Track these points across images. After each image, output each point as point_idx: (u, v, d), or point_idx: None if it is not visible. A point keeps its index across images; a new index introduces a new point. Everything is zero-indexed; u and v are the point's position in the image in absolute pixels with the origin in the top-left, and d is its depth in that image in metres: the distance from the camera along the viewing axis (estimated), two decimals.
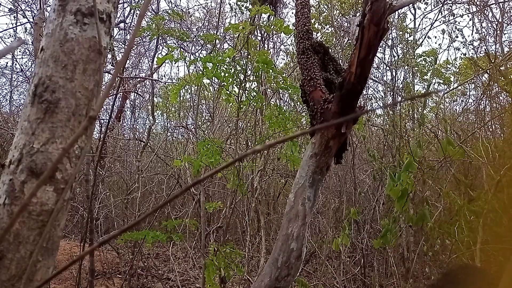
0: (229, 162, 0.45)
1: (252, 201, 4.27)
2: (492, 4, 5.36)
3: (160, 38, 5.55)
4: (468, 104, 6.76)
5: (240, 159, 3.26)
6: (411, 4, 5.40)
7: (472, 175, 4.37)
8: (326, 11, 6.15)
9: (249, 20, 4.35)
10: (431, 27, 9.62)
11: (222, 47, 6.27)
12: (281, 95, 5.90)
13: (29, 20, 6.35)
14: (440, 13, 5.83)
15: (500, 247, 2.85)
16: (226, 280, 3.12)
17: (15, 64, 7.76)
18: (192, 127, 6.02)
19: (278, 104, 5.22)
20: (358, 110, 1.52)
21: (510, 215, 2.93)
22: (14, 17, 7.48)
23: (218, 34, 5.48)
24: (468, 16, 6.25)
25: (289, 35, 4.93)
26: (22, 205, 0.88)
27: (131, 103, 8.61)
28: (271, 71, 3.24)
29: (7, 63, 8.71)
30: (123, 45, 6.67)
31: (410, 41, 5.71)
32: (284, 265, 1.42)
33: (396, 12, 4.08)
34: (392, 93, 5.37)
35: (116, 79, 6.85)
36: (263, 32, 5.35)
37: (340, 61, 4.88)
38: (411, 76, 5.42)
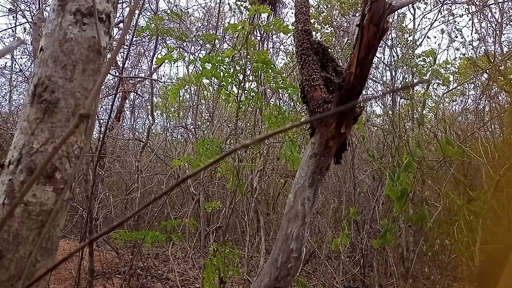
0: (221, 156, 0.45)
1: (252, 201, 4.27)
2: (492, 4, 5.37)
3: (159, 38, 5.55)
4: (467, 104, 6.77)
5: (229, 154, 3.26)
6: (411, 4, 5.41)
7: (471, 175, 4.37)
8: (326, 11, 6.15)
9: (248, 19, 4.35)
10: (430, 27, 9.64)
11: (222, 47, 6.27)
12: (280, 95, 5.91)
13: (28, 20, 6.33)
14: (439, 13, 5.84)
15: (500, 247, 2.85)
16: (225, 280, 3.12)
17: (14, 64, 7.76)
18: (192, 127, 6.01)
19: (278, 104, 5.22)
20: (357, 110, 1.52)
21: (509, 215, 2.93)
22: (13, 17, 7.48)
23: (217, 34, 5.47)
24: (467, 16, 6.26)
25: (289, 35, 4.93)
26: (15, 202, 0.88)
27: (131, 103, 8.62)
28: (270, 71, 3.24)
29: (6, 63, 8.72)
30: (123, 45, 6.66)
31: (409, 41, 5.72)
32: (284, 265, 1.42)
33: (396, 12, 4.08)
34: (391, 93, 5.38)
35: (116, 79, 6.84)
36: (262, 32, 5.35)
37: (340, 61, 4.88)
38: (410, 76, 5.42)
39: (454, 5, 5.81)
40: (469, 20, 7.08)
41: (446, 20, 5.87)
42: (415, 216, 2.96)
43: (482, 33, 5.40)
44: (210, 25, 7.34)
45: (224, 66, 3.12)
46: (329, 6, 6.02)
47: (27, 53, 7.29)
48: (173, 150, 7.47)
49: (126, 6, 6.37)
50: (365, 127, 5.21)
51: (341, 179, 5.83)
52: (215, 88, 5.94)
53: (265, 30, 4.35)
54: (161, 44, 6.29)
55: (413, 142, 3.54)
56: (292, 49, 6.49)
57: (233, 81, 3.22)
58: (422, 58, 5.87)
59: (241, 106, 3.47)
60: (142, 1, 5.28)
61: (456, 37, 5.93)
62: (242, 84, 3.32)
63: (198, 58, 3.63)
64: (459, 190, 3.65)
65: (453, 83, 6.80)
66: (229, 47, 5.51)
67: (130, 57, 7.65)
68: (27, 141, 0.93)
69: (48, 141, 0.93)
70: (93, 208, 4.04)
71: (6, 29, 7.66)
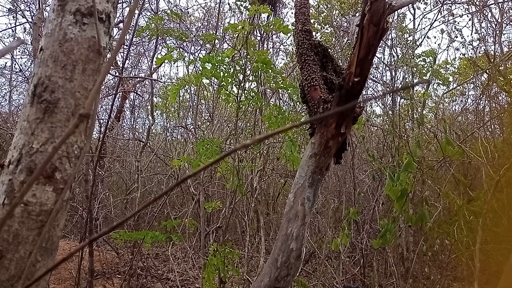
0: (221, 156, 0.45)
1: (252, 201, 4.27)
2: (492, 4, 5.37)
3: (159, 38, 5.55)
4: (467, 104, 6.77)
5: (229, 154, 3.27)
6: (411, 4, 5.41)
7: (471, 175, 4.37)
8: (326, 11, 6.15)
9: (248, 19, 4.35)
10: (430, 27, 9.64)
11: (222, 47, 6.27)
12: (280, 95, 5.91)
13: (28, 20, 6.33)
14: (439, 13, 5.84)
15: (499, 247, 2.85)
16: (224, 280, 3.12)
17: (14, 64, 7.76)
18: (192, 127, 6.01)
19: (278, 104, 5.22)
20: (357, 110, 1.52)
21: (509, 215, 2.93)
22: (13, 17, 7.48)
23: (217, 34, 5.47)
24: (467, 16, 6.26)
25: (289, 35, 4.93)
26: (15, 202, 0.88)
27: (131, 103, 8.62)
28: (270, 71, 3.24)
29: (6, 63, 8.72)
30: (123, 45, 6.66)
31: (409, 41, 5.72)
32: (284, 265, 1.42)
33: (396, 12, 4.08)
34: (391, 93, 5.38)
35: (116, 79, 6.84)
36: (262, 32, 5.35)
37: (340, 61, 4.88)
38: (410, 76, 5.41)
39: (454, 5, 5.81)
40: (469, 20, 7.08)
41: (446, 20, 5.86)
42: (415, 216, 2.96)
43: (482, 33, 5.39)
44: (210, 25, 7.34)
45: (224, 66, 3.12)
46: (329, 6, 6.02)
47: (27, 53, 7.29)
48: (173, 150, 7.47)
49: (126, 6, 6.36)
50: (365, 127, 5.20)
51: (341, 179, 5.83)
52: (215, 88, 5.94)
53: (265, 30, 4.35)
54: (161, 44, 6.29)
55: (413, 142, 3.54)
56: (292, 49, 6.49)
57: (233, 81, 3.22)
58: (422, 58, 5.86)
59: (241, 106, 3.47)
60: (142, 1, 5.28)
61: (456, 37, 5.92)
62: (242, 84, 3.32)
63: (198, 58, 3.63)
64: (459, 190, 3.65)
65: (453, 83, 6.79)
66: (229, 47, 5.51)
67: (130, 57, 7.66)
68: (27, 141, 0.93)
69: (48, 141, 0.93)
70: (93, 208, 4.04)
71: (6, 29, 7.65)
